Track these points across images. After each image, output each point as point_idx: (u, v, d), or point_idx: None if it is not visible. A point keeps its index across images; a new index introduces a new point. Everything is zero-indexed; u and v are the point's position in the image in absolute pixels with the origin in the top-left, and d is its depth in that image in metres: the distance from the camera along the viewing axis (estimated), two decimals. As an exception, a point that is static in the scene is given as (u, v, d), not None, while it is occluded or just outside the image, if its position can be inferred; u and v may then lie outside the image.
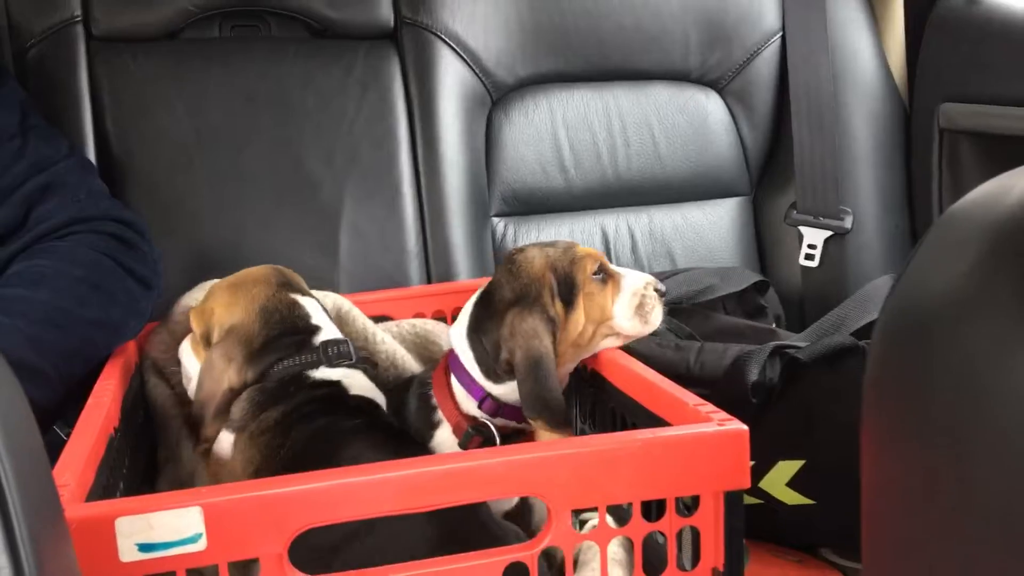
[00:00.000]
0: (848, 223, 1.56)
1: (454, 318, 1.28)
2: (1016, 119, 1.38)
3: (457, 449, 0.97)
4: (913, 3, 1.57)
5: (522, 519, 0.97)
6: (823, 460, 1.02)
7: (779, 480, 1.04)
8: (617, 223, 1.59)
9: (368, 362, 1.03)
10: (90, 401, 0.87)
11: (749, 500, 0.93)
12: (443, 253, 1.47)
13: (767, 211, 1.65)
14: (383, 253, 1.44)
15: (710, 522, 0.77)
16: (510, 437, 0.97)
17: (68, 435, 0.79)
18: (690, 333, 1.15)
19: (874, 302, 1.16)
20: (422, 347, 1.20)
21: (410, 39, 1.50)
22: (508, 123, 1.54)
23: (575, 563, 0.85)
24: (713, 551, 0.77)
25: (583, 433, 0.99)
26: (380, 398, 0.99)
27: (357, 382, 0.98)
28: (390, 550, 0.75)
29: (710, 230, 1.62)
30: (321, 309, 1.03)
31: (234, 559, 0.68)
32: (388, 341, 1.15)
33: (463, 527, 0.79)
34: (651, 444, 0.75)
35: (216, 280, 1.07)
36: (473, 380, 0.96)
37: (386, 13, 1.50)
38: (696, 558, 0.78)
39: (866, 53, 1.60)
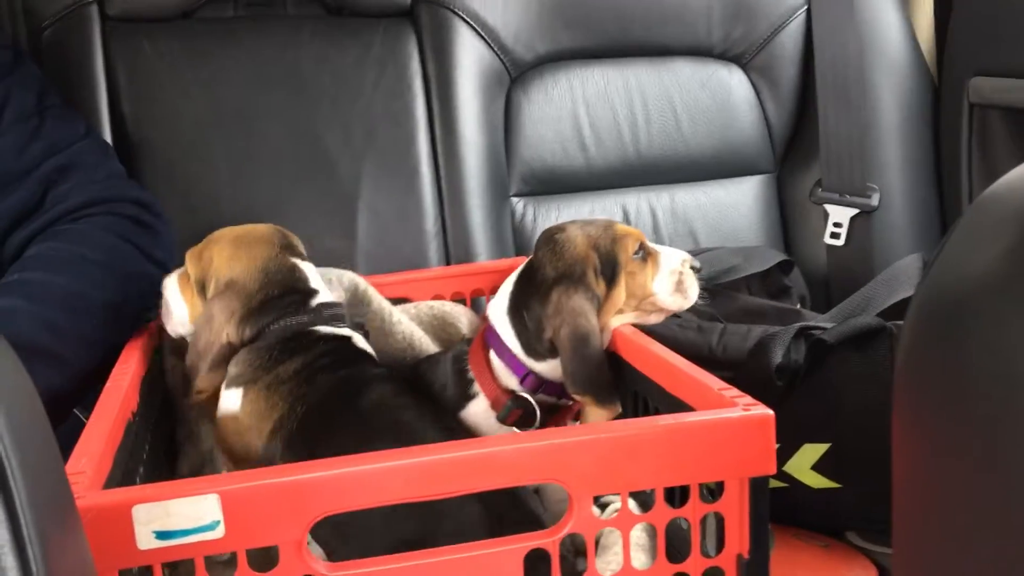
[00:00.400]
0: (875, 200, 1.53)
1: (473, 300, 1.28)
2: (1049, 93, 1.35)
3: (491, 420, 0.98)
4: (942, -27, 1.53)
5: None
6: (849, 443, 1.01)
7: (804, 463, 1.03)
8: (638, 202, 1.57)
9: (362, 328, 1.05)
10: (108, 386, 0.86)
11: (774, 484, 0.92)
12: (462, 234, 1.45)
13: (792, 189, 1.63)
14: (402, 234, 1.43)
15: (735, 508, 0.75)
16: (546, 411, 0.99)
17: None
18: (712, 314, 1.14)
19: (901, 281, 1.14)
20: (440, 329, 1.19)
21: (427, 16, 1.48)
22: (527, 101, 1.52)
23: (596, 544, 0.84)
24: (738, 537, 0.76)
25: (605, 417, 0.98)
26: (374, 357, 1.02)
27: (361, 341, 1.01)
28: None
29: (733, 209, 1.60)
30: (318, 274, 1.04)
31: (252, 546, 0.67)
32: (405, 322, 1.15)
33: (499, 499, 0.79)
34: (674, 430, 0.73)
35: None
36: (514, 356, 0.98)
37: (402, -10, 1.49)
38: (720, 544, 0.77)
39: (893, 26, 1.56)
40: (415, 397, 0.95)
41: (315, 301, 1.00)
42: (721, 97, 1.59)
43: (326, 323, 0.98)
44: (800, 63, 1.60)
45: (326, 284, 1.04)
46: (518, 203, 1.53)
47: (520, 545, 0.73)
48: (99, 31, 1.37)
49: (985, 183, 1.46)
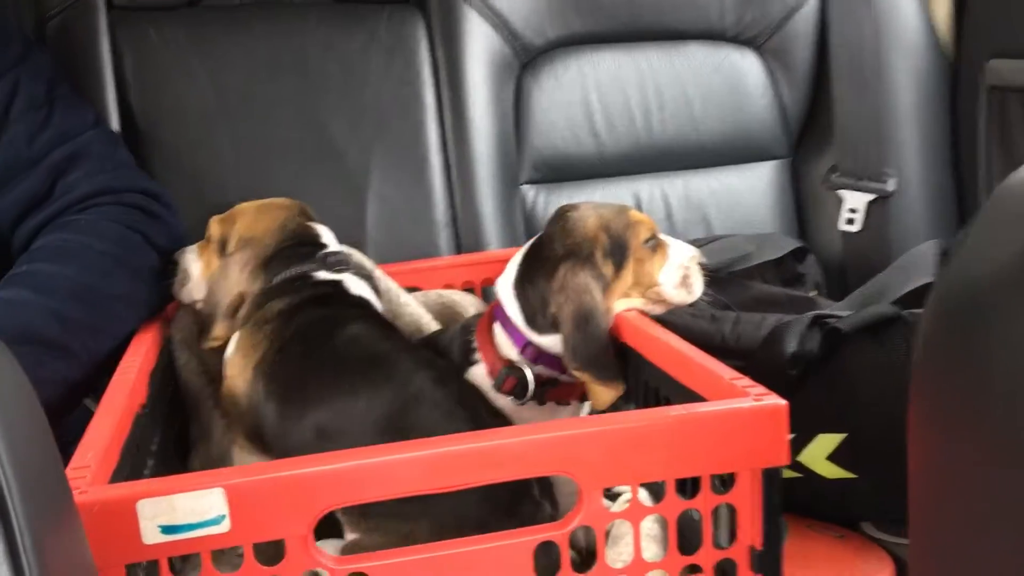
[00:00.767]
0: (891, 185, 1.51)
1: (483, 290, 1.27)
2: (1069, 75, 1.32)
3: (488, 386, 0.99)
4: (959, -46, 1.51)
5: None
6: (865, 433, 1.00)
7: (819, 453, 1.02)
8: (651, 189, 1.56)
9: (363, 271, 1.07)
10: (114, 378, 0.86)
11: (788, 474, 0.90)
12: (472, 223, 1.44)
13: (806, 174, 1.61)
14: (411, 223, 1.42)
15: (747, 500, 0.74)
16: (545, 384, 0.99)
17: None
18: (725, 303, 1.12)
19: (918, 269, 1.12)
20: (448, 318, 1.18)
21: (435, 2, 1.47)
22: (537, 87, 1.50)
23: (607, 535, 0.84)
24: (750, 529, 0.75)
25: (616, 408, 0.97)
26: (378, 304, 1.05)
27: (356, 284, 1.04)
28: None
29: (747, 195, 1.58)
30: (334, 238, 1.08)
31: (258, 540, 0.67)
32: (413, 304, 1.15)
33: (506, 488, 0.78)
34: (685, 421, 0.72)
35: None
36: (516, 328, 0.99)
37: (410, -25, 1.47)
38: (732, 536, 0.76)
39: (909, 8, 1.53)
40: (392, 332, 0.98)
41: (322, 252, 1.04)
42: (734, 81, 1.57)
43: (328, 268, 1.02)
44: (815, 46, 1.58)
45: None
46: (529, 191, 1.52)
47: (530, 538, 0.73)
48: (105, 20, 1.37)
49: (1003, 166, 1.44)
